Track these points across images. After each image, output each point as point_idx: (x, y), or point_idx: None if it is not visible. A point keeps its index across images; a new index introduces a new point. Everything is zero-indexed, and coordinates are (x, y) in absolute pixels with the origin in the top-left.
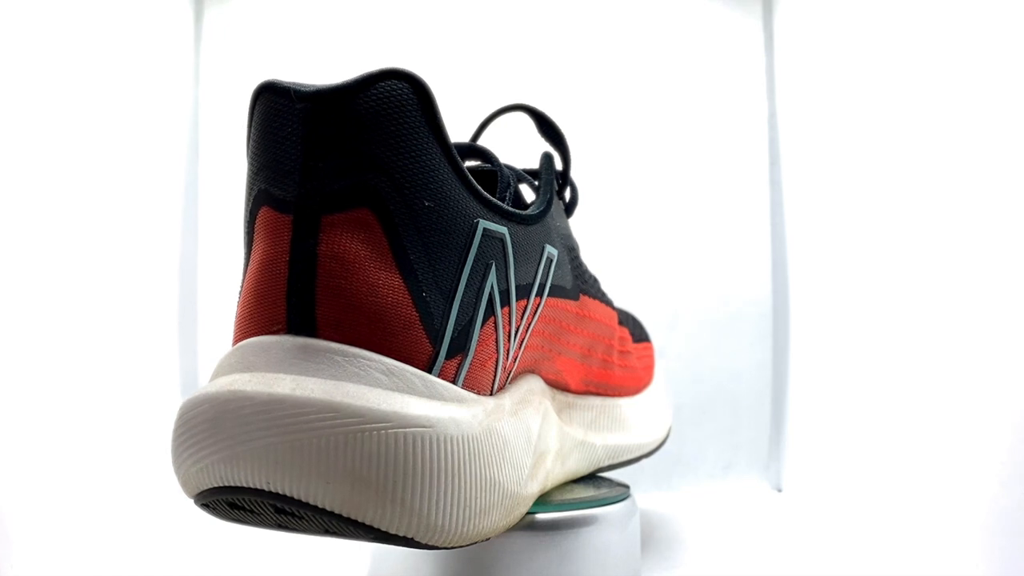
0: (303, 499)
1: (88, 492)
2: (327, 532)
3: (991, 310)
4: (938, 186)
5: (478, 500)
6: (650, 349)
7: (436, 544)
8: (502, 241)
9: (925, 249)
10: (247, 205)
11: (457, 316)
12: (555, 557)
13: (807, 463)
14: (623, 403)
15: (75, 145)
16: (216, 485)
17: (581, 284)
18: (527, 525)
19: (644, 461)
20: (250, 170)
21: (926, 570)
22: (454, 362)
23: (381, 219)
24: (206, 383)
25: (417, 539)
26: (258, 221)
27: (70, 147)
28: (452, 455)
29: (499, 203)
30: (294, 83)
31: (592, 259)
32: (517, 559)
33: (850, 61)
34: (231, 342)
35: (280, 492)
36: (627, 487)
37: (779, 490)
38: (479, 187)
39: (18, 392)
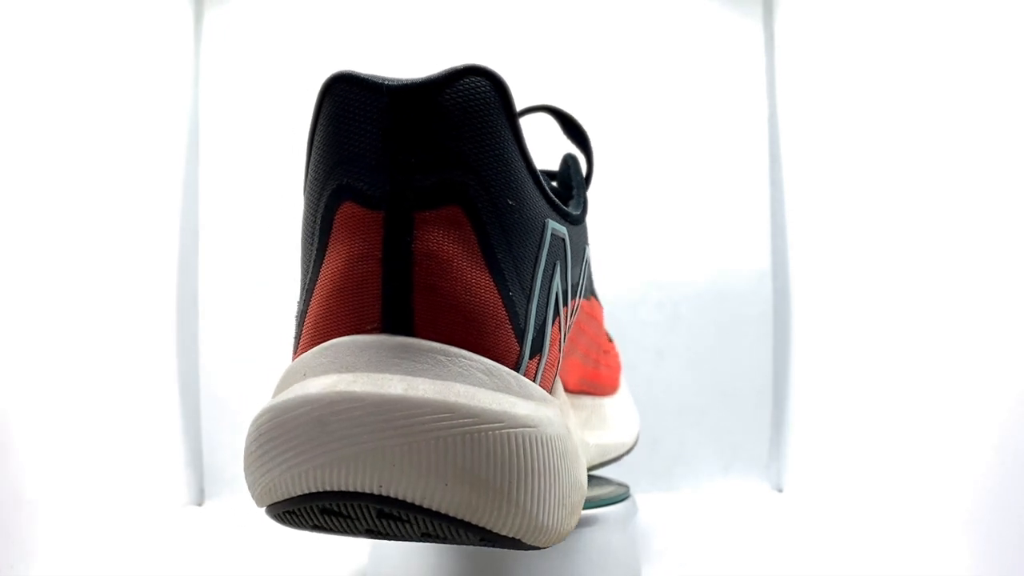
0: (416, 502)
1: (86, 492)
2: (425, 536)
3: (991, 310)
4: (938, 186)
5: (570, 498)
6: (615, 347)
7: (538, 544)
8: (564, 241)
9: (925, 249)
10: (316, 200)
11: (536, 316)
12: (555, 557)
13: (807, 463)
14: (606, 402)
15: (75, 146)
16: (317, 490)
17: (590, 283)
18: None
19: (645, 462)
20: (322, 164)
21: (926, 571)
22: (534, 362)
23: (470, 217)
24: (287, 385)
25: (523, 540)
26: (339, 217)
27: (70, 148)
28: (552, 455)
29: (560, 204)
30: (374, 75)
31: (594, 259)
32: (517, 559)
33: (850, 62)
34: (303, 341)
35: (392, 495)
36: (627, 487)
37: (779, 490)
38: (547, 188)
39: (17, 392)
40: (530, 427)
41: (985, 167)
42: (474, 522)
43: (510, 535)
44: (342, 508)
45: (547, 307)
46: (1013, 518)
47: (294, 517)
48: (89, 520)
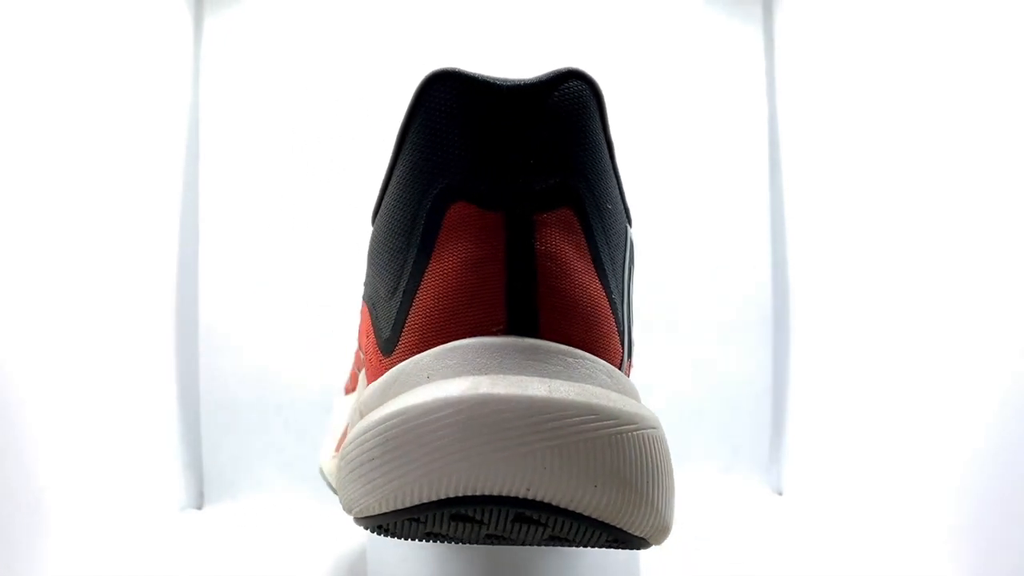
0: (563, 505)
1: (86, 495)
2: (552, 540)
3: (991, 312)
4: (938, 188)
5: (675, 498)
6: None
7: (657, 543)
8: (633, 245)
9: (926, 251)
10: (417, 200)
11: (627, 319)
12: (556, 559)
13: (808, 466)
14: None
15: (76, 149)
16: (458, 495)
17: None
18: None
19: None
20: (425, 163)
21: (927, 572)
22: (628, 364)
23: (580, 220)
24: (405, 387)
25: (649, 539)
26: (450, 217)
27: (71, 151)
28: (668, 454)
29: (628, 209)
30: (480, 74)
31: None
32: (517, 560)
33: (850, 65)
34: (408, 342)
35: (538, 499)
36: None
37: (779, 493)
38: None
39: (15, 394)
40: (654, 428)
41: (985, 169)
42: (613, 523)
43: (640, 535)
44: (477, 513)
45: (631, 310)
46: (1013, 521)
47: (414, 525)
48: (88, 523)
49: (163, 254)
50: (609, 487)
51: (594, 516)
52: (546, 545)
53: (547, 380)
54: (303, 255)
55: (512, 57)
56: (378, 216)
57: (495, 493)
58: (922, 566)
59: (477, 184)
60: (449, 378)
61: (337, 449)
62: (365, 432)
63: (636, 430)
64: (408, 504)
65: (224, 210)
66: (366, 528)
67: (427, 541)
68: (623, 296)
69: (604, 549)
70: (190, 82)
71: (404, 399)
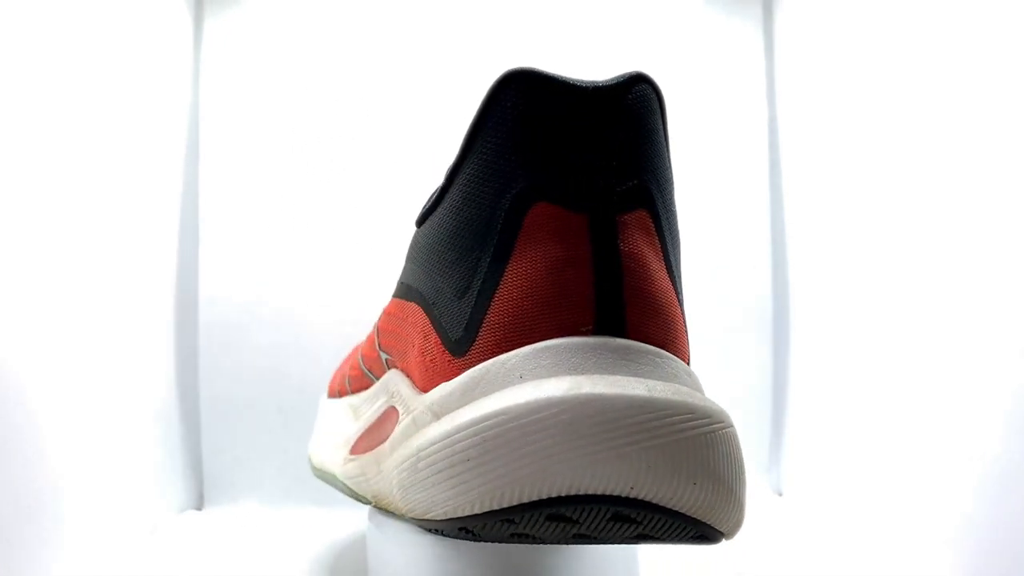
0: (662, 503)
1: (85, 496)
2: (641, 538)
3: (991, 314)
4: (938, 190)
5: None
6: None
7: (732, 537)
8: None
9: (926, 252)
10: (494, 199)
11: (685, 319)
12: (556, 559)
13: (808, 467)
14: None
15: (76, 149)
16: (560, 494)
17: None
18: None
19: None
20: (502, 163)
21: (927, 571)
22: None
23: (654, 221)
24: (495, 387)
25: (729, 534)
26: (532, 218)
27: (72, 152)
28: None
29: None
30: (559, 74)
31: None
32: (517, 561)
33: (850, 66)
34: (487, 342)
35: (640, 497)
36: None
37: (779, 494)
38: None
39: (14, 395)
40: (732, 425)
41: (985, 171)
42: (704, 520)
43: (723, 530)
44: (575, 513)
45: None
46: (1012, 523)
47: (506, 526)
48: (88, 524)
49: (163, 254)
50: (706, 485)
51: (689, 513)
52: (631, 543)
53: (644, 380)
54: (303, 255)
55: (512, 57)
56: (436, 215)
57: (598, 492)
58: (922, 566)
59: (560, 185)
60: (545, 378)
61: (353, 452)
62: (456, 433)
63: (723, 428)
64: (507, 504)
65: (224, 210)
66: (440, 531)
67: (509, 542)
68: (682, 296)
69: (604, 552)
70: (190, 83)
71: (499, 399)
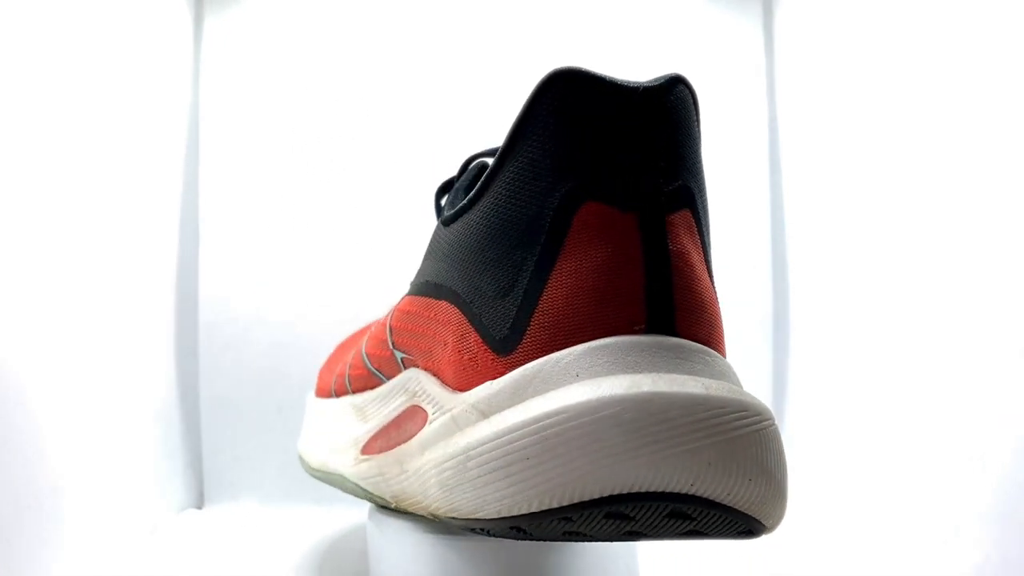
0: (719, 499)
1: (85, 495)
2: (691, 534)
3: (991, 313)
4: (938, 189)
5: None
6: None
7: (772, 531)
8: None
9: (925, 252)
10: (542, 198)
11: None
12: (555, 559)
13: (807, 466)
14: None
15: (77, 150)
16: (622, 491)
17: None
18: None
19: None
20: (551, 162)
21: (927, 572)
22: None
23: (696, 221)
24: (551, 385)
25: (771, 528)
26: (581, 217)
27: (72, 152)
28: None
29: None
30: (606, 74)
31: None
32: (518, 560)
33: (851, 64)
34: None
35: (699, 494)
36: None
37: None
38: None
39: (15, 394)
40: (775, 422)
41: (985, 170)
42: (754, 515)
43: (768, 524)
44: (633, 510)
45: None
46: (1013, 521)
47: (561, 524)
48: (88, 523)
49: (163, 254)
50: (759, 480)
51: (741, 509)
52: (678, 539)
53: (699, 378)
54: (303, 255)
55: (512, 56)
56: (472, 214)
57: (659, 490)
58: (922, 566)
59: (610, 185)
60: (603, 376)
61: (365, 452)
62: (513, 431)
63: (771, 425)
64: (567, 503)
65: (224, 210)
66: (487, 530)
67: (558, 540)
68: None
69: (603, 551)
70: (190, 82)
71: (557, 397)
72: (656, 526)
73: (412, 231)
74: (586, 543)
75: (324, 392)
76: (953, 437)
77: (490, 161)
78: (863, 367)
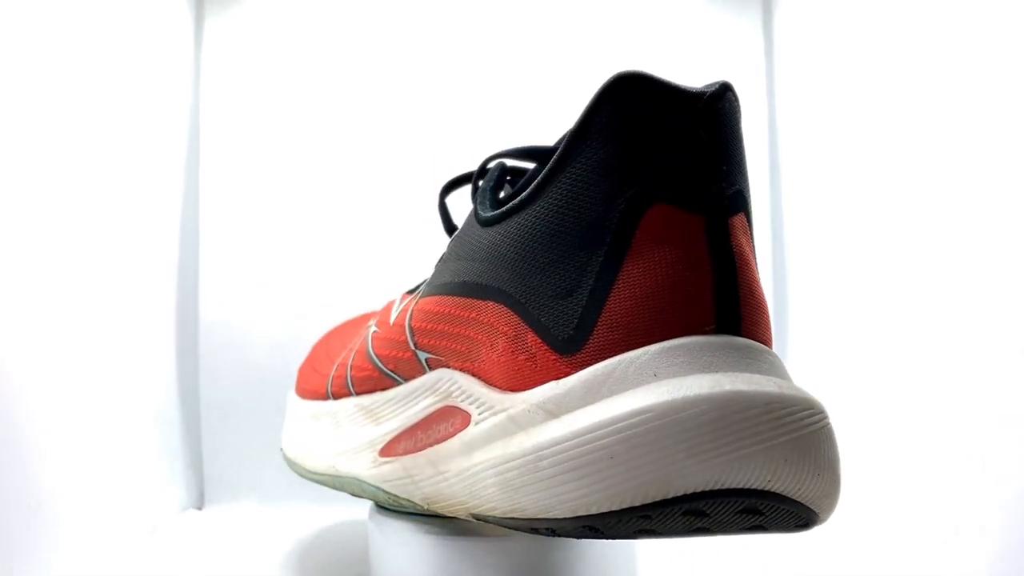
0: (790, 495)
1: (87, 496)
2: (754, 528)
3: (991, 312)
4: (937, 189)
5: None
6: None
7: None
8: None
9: (925, 252)
10: (608, 201)
11: None
12: (556, 557)
13: None
14: None
15: (77, 151)
16: (706, 488)
17: None
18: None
19: None
20: (618, 164)
21: (927, 571)
22: None
23: (749, 224)
24: (627, 384)
25: (823, 520)
26: (648, 219)
27: (71, 153)
28: None
29: None
30: (668, 80)
31: None
32: (518, 560)
33: (850, 65)
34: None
35: (773, 490)
36: None
37: None
38: None
39: (17, 395)
40: None
41: (984, 170)
42: (816, 508)
43: (823, 518)
44: (710, 507)
45: None
46: (1013, 516)
47: (639, 521)
48: (89, 523)
49: (164, 255)
50: (825, 476)
51: (806, 502)
52: (742, 533)
53: (771, 377)
54: (303, 256)
55: (512, 57)
56: (525, 216)
57: (738, 486)
58: (921, 565)
59: (677, 188)
60: (682, 376)
61: (385, 454)
62: (595, 430)
63: (829, 421)
64: (650, 500)
65: (224, 211)
66: (552, 530)
67: (629, 538)
68: None
69: (601, 552)
70: (191, 83)
71: (639, 397)
72: (726, 522)
73: (412, 231)
74: (583, 543)
75: (315, 394)
76: (953, 437)
77: (509, 162)
78: (863, 366)
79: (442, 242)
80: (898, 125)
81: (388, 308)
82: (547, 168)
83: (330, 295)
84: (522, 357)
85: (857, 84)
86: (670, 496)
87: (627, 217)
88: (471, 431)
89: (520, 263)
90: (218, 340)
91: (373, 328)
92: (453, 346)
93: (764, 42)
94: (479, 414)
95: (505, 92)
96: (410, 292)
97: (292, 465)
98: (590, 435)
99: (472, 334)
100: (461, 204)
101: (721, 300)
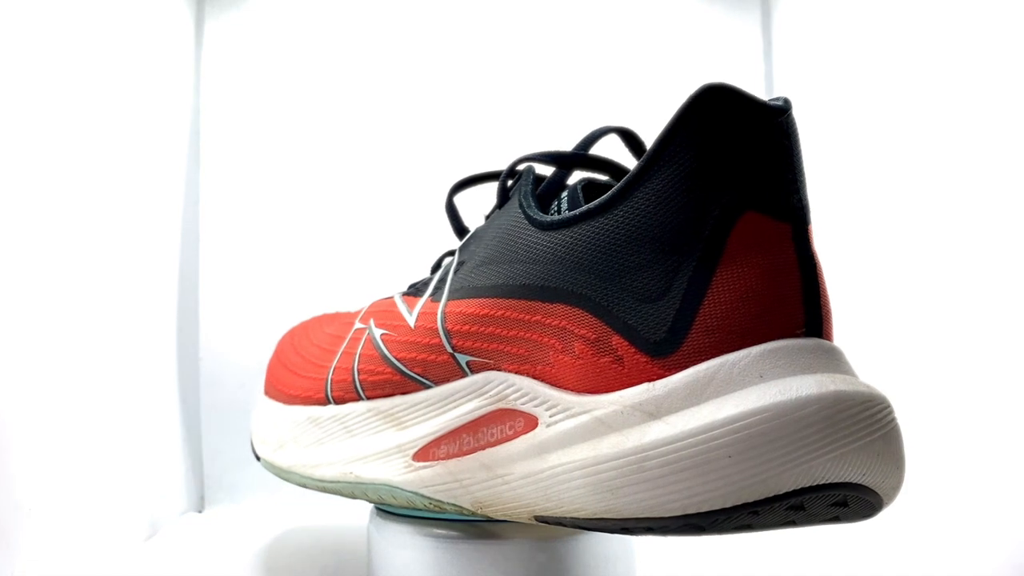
0: (874, 487)
1: (87, 498)
2: (833, 519)
3: (990, 311)
4: (936, 189)
5: None
6: None
7: None
8: None
9: (924, 252)
10: (701, 207)
11: None
12: (557, 556)
13: None
14: None
15: (77, 153)
16: (813, 484)
17: None
18: (527, 529)
19: None
20: (711, 173)
21: (927, 570)
22: None
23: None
24: (734, 385)
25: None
26: (741, 226)
27: (72, 155)
28: None
29: None
30: (751, 93)
31: None
32: (519, 561)
33: (848, 65)
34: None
35: (864, 483)
36: None
37: None
38: None
39: (17, 397)
40: None
41: (984, 170)
42: (886, 499)
43: (887, 507)
44: (811, 501)
45: None
46: (1013, 521)
47: (747, 516)
48: (90, 526)
49: (164, 257)
50: (901, 468)
51: (882, 493)
52: (823, 524)
53: (855, 378)
54: (304, 258)
55: (512, 57)
56: (606, 220)
57: (839, 481)
58: (921, 564)
59: (767, 196)
60: (787, 377)
61: (421, 458)
62: (708, 431)
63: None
64: (762, 496)
65: (225, 213)
66: (652, 529)
67: (728, 533)
68: None
69: (601, 553)
70: (191, 85)
71: (750, 398)
72: (816, 514)
73: (413, 233)
74: (582, 544)
75: (305, 399)
76: (953, 434)
77: (538, 167)
78: (863, 365)
79: (442, 242)
80: (897, 125)
81: (389, 310)
82: (630, 175)
83: (330, 297)
84: (606, 359)
85: (855, 85)
86: (780, 492)
87: (720, 224)
88: (542, 433)
89: (600, 267)
90: (218, 342)
91: (379, 331)
92: (508, 349)
93: (763, 43)
94: (550, 416)
95: (505, 93)
96: (412, 294)
97: (285, 474)
98: (706, 435)
99: (535, 337)
100: (460, 203)
101: (808, 305)
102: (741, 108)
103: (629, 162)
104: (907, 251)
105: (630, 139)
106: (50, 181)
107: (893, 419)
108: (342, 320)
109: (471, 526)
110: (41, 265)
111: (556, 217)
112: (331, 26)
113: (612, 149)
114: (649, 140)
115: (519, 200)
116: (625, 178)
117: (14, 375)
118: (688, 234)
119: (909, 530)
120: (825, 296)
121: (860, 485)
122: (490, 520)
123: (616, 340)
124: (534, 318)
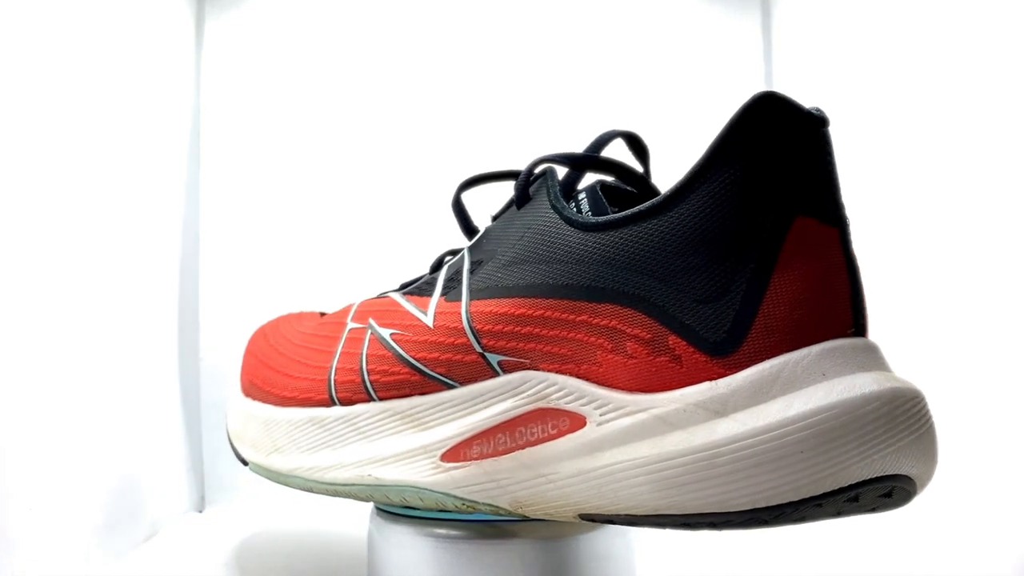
0: (916, 478)
1: (88, 498)
2: (872, 509)
3: (990, 310)
4: (936, 187)
5: None
6: None
7: None
8: None
9: (924, 252)
10: (758, 212)
11: None
12: (554, 559)
13: None
14: None
15: (77, 152)
16: (872, 476)
17: None
18: (527, 529)
19: None
20: (767, 179)
21: (927, 570)
22: None
23: None
24: (800, 383)
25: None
26: (795, 231)
27: (72, 155)
28: None
29: None
30: (798, 101)
31: None
32: (519, 561)
33: (848, 66)
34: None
35: (911, 475)
36: None
37: None
38: None
39: (17, 397)
40: None
41: (984, 170)
42: (920, 489)
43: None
44: (867, 492)
45: None
46: (1013, 521)
47: (812, 510)
48: (90, 526)
49: (165, 256)
50: (936, 461)
51: (919, 483)
52: (863, 514)
53: (898, 375)
54: (304, 258)
55: (512, 57)
56: (659, 222)
57: (895, 473)
58: (921, 563)
59: (819, 202)
60: (847, 375)
61: (450, 459)
62: (781, 427)
63: None
64: (828, 489)
65: (225, 212)
66: (715, 524)
67: (790, 524)
68: None
69: (602, 553)
70: (192, 85)
71: (818, 395)
72: (865, 505)
73: (413, 233)
74: (582, 544)
75: (302, 401)
76: (953, 434)
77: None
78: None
79: (442, 242)
80: (896, 125)
81: (392, 310)
82: (684, 179)
83: (331, 296)
84: (663, 359)
85: (855, 85)
86: (844, 485)
87: (775, 228)
88: (593, 432)
89: (655, 268)
90: (219, 341)
91: (386, 331)
92: (548, 349)
93: (763, 44)
94: (601, 415)
95: (504, 93)
96: (415, 293)
97: (285, 478)
98: (779, 431)
99: (580, 337)
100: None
101: (856, 305)
102: (792, 117)
103: (632, 163)
104: (907, 250)
105: (634, 143)
106: (50, 181)
107: (930, 415)
108: (321, 320)
109: (472, 526)
110: (41, 264)
111: (601, 218)
112: (331, 26)
113: (612, 149)
114: (651, 140)
115: (550, 202)
116: (678, 182)
117: (14, 374)
118: (745, 238)
119: (910, 530)
120: (865, 300)
121: (906, 476)
122: (490, 520)
123: (673, 340)
124: (580, 318)
